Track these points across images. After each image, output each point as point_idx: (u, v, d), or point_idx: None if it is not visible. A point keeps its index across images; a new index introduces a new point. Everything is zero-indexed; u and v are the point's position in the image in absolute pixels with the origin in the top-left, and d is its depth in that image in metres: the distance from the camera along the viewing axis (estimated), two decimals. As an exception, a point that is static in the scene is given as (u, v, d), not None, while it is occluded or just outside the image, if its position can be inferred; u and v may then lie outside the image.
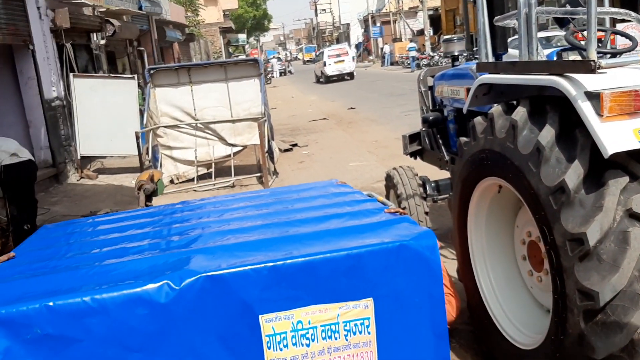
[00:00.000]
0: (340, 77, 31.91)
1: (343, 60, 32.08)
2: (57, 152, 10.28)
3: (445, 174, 5.22)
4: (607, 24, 3.52)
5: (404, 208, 4.72)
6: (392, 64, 40.37)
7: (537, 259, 2.89)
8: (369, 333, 2.44)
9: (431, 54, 31.86)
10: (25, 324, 2.20)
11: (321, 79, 33.17)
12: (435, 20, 40.86)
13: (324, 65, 32.43)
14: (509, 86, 2.88)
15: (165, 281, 2.27)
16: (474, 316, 3.35)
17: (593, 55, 2.32)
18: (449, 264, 4.30)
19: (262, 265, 2.32)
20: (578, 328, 2.32)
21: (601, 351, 2.24)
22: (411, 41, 36.05)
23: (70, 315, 2.22)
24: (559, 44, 12.74)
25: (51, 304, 2.21)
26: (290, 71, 47.85)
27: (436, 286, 2.51)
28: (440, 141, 4.95)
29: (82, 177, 10.52)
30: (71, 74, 10.62)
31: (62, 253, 2.87)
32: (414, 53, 31.66)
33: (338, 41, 78.91)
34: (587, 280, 2.26)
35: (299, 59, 73.72)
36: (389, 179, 5.05)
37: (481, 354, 3.33)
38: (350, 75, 32.29)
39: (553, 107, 2.51)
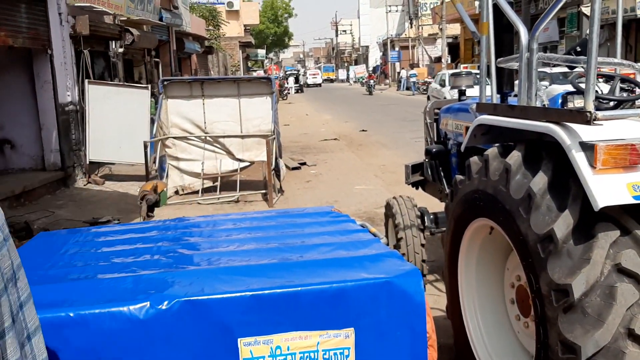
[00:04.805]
0: (315, 85, 62.56)
1: (316, 77, 65.63)
2: (67, 156, 10.38)
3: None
4: (618, 70, 3.51)
5: (400, 238, 4.70)
6: (407, 88, 40.93)
7: (525, 303, 2.86)
8: (348, 363, 2.42)
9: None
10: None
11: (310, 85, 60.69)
12: (453, 48, 41.05)
13: (306, 78, 62.18)
14: (507, 128, 2.88)
15: (146, 302, 2.28)
16: (459, 354, 3.31)
17: (590, 106, 2.31)
18: (442, 298, 4.27)
19: (244, 293, 2.32)
20: (559, 380, 2.28)
21: (580, 407, 2.20)
22: (412, 68, 45.34)
23: (50, 327, 2.23)
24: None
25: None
26: (307, 83, 60.45)
27: (419, 322, 2.50)
28: (442, 174, 4.95)
29: (89, 182, 10.61)
30: (86, 80, 10.76)
31: (52, 263, 2.89)
32: (414, 79, 40.49)
33: (356, 62, 79.55)
34: (570, 332, 2.23)
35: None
36: (388, 207, 5.05)
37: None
38: (319, 84, 63.51)
39: (548, 154, 2.50)
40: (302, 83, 53.32)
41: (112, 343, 2.25)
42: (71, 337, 2.23)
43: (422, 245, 4.67)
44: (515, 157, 2.58)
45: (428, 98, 33.33)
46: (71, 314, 2.23)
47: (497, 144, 2.90)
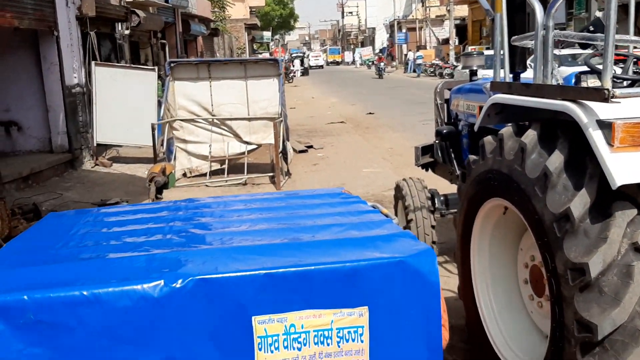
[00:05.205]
0: (317, 67, 64.83)
1: (318, 59, 69.42)
2: (74, 138, 10.39)
3: (455, 188, 5.18)
4: (631, 49, 3.46)
5: (410, 220, 4.69)
6: (414, 70, 40.55)
7: (539, 283, 2.85)
8: (362, 341, 2.42)
9: (455, 63, 31.87)
10: (20, 310, 2.22)
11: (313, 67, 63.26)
12: (461, 30, 40.68)
13: (309, 60, 62.98)
14: (522, 107, 2.84)
15: (160, 280, 2.27)
16: (471, 335, 3.31)
17: (607, 83, 2.27)
18: (453, 279, 4.26)
19: (258, 271, 2.32)
20: (574, 359, 2.28)
21: (596, 386, 2.19)
22: (418, 50, 45.63)
23: (64, 305, 2.24)
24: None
25: (46, 294, 2.22)
26: (310, 65, 62.12)
27: (433, 302, 2.49)
28: (453, 155, 4.91)
29: (96, 165, 10.63)
30: (93, 62, 10.73)
31: (63, 243, 2.89)
32: (420, 61, 40.54)
33: (363, 44, 79.03)
34: (587, 311, 2.22)
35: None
36: (398, 189, 5.02)
37: (476, 374, 3.30)
38: (321, 66, 67.12)
39: (564, 133, 2.47)
40: (306, 65, 53.62)
41: (126, 321, 2.25)
42: (85, 315, 2.23)
43: (433, 226, 4.66)
44: (530, 136, 2.55)
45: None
46: (85, 292, 2.23)
47: (511, 124, 2.86)
